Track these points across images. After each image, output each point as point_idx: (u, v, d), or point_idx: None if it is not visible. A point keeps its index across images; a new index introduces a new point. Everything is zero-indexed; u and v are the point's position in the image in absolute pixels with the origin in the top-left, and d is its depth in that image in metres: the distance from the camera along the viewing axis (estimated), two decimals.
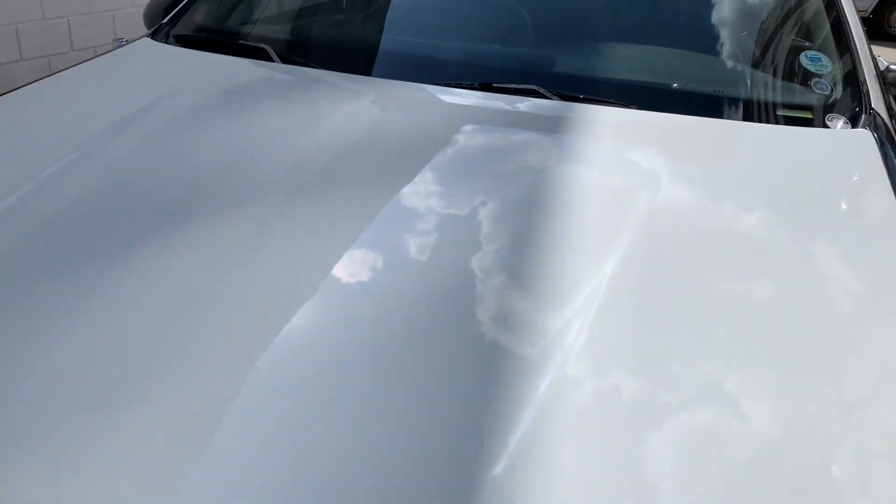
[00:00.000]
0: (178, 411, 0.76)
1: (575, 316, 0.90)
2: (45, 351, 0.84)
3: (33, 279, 0.96)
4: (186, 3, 1.95)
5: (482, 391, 0.80)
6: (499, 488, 0.70)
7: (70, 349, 0.84)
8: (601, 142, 1.35)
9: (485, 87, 1.55)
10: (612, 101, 1.50)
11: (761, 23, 1.85)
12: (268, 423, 0.75)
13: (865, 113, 1.55)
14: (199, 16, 1.90)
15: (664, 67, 1.67)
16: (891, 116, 1.63)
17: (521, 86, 1.53)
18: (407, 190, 1.15)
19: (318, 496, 0.69)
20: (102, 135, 1.32)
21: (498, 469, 0.72)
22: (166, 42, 1.82)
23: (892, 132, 1.57)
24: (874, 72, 1.66)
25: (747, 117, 1.54)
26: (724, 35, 1.76)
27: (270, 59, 1.67)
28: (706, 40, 1.76)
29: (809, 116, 1.55)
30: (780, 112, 1.56)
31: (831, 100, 1.60)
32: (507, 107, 1.49)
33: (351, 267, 0.98)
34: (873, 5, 10.95)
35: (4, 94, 1.57)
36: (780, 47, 1.73)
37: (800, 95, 1.61)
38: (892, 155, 1.46)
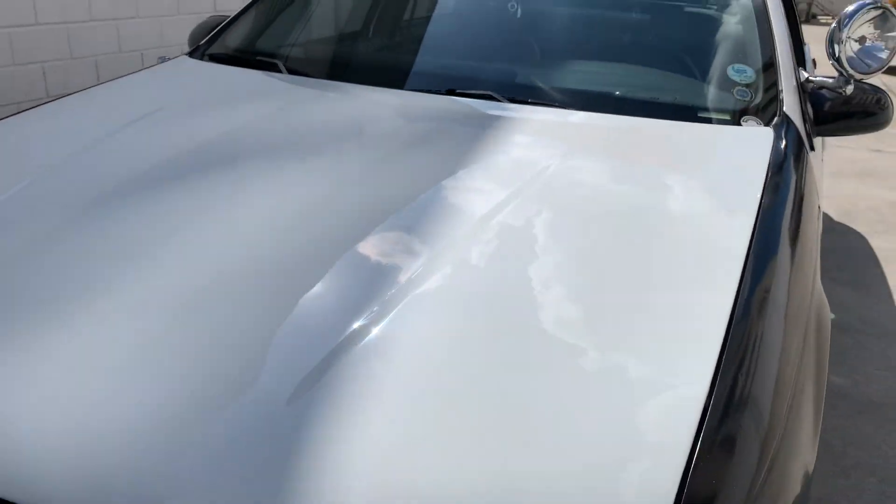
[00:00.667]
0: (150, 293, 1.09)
1: (434, 258, 1.19)
2: (84, 254, 1.18)
3: (77, 211, 1.30)
4: (219, 30, 2.33)
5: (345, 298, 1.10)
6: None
7: (94, 259, 1.18)
8: (525, 133, 1.65)
9: (450, 92, 1.87)
10: (553, 103, 1.80)
11: (696, 39, 2.13)
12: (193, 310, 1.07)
13: (778, 116, 1.81)
14: (228, 39, 2.28)
15: (605, 77, 1.97)
16: (804, 121, 1.88)
17: (479, 91, 1.84)
18: (354, 158, 1.48)
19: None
20: (136, 121, 1.69)
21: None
22: (201, 59, 2.20)
23: (801, 133, 1.82)
24: (794, 82, 1.92)
25: (673, 118, 1.81)
26: (661, 48, 2.05)
27: (280, 71, 2.03)
28: (644, 53, 2.06)
29: (728, 118, 1.82)
30: (701, 114, 1.83)
31: (750, 105, 1.86)
32: (465, 108, 1.80)
33: (287, 207, 1.30)
34: None
35: (68, 95, 1.96)
36: (710, 60, 2.01)
37: (722, 100, 1.88)
38: (793, 150, 1.71)
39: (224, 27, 2.35)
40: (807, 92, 1.95)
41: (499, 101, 1.80)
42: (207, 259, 1.16)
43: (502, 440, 0.88)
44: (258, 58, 2.14)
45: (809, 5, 24.08)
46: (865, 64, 1.86)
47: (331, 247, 1.20)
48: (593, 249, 1.23)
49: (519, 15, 2.27)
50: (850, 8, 1.87)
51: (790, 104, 1.85)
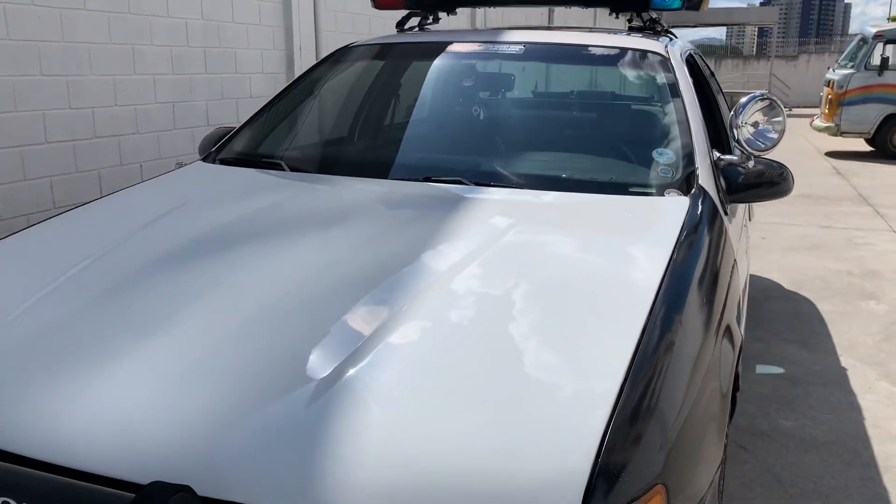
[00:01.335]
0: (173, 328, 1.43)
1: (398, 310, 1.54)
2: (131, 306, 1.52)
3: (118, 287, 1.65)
4: (227, 138, 2.74)
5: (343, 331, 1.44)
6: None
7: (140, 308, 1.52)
8: (488, 209, 2.04)
9: (427, 179, 2.27)
10: (511, 185, 2.20)
11: (628, 129, 2.57)
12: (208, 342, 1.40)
13: (695, 188, 2.21)
14: (235, 145, 2.68)
15: (554, 163, 2.39)
16: (717, 191, 2.28)
17: (450, 177, 2.24)
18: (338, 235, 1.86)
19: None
20: (167, 214, 2.06)
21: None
22: (213, 163, 2.59)
23: (715, 201, 2.22)
24: (708, 161, 2.33)
25: (610, 193, 2.20)
26: (599, 138, 2.48)
27: (283, 169, 2.43)
28: (585, 142, 2.49)
29: (654, 192, 2.21)
30: (631, 189, 2.23)
31: (672, 180, 2.26)
32: (439, 191, 2.19)
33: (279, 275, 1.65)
34: (873, 129, 11.65)
35: (109, 194, 2.33)
36: (638, 146, 2.43)
37: (648, 178, 2.29)
38: (708, 214, 2.10)
39: (232, 136, 2.75)
40: (719, 168, 2.35)
41: (466, 184, 2.19)
42: (227, 310, 1.51)
43: (463, 417, 1.21)
44: (263, 159, 2.53)
45: None
46: (761, 143, 2.28)
47: (326, 301, 1.54)
48: (536, 293, 1.58)
49: (482, 117, 2.71)
50: (743, 99, 2.30)
51: (704, 178, 2.24)
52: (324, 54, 6.10)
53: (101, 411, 1.25)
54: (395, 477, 1.12)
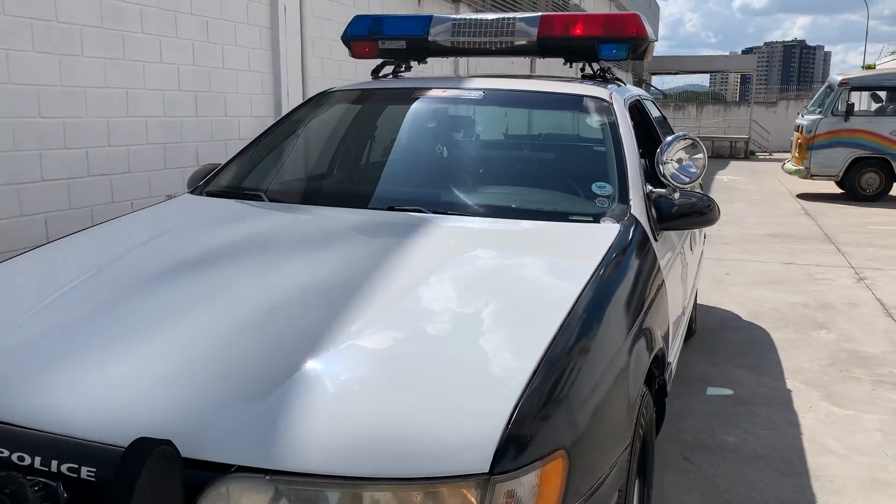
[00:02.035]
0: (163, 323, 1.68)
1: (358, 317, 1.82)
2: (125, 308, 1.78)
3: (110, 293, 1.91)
4: (214, 173, 3.02)
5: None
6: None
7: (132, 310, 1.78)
8: (444, 233, 2.32)
9: (391, 208, 2.55)
10: (466, 213, 2.49)
11: (571, 166, 2.88)
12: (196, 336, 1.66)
13: (627, 217, 2.49)
14: (221, 179, 2.97)
15: (505, 195, 2.69)
16: (648, 220, 2.56)
17: (411, 207, 2.52)
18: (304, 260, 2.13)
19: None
20: (156, 237, 2.33)
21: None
22: (200, 195, 2.87)
23: (646, 228, 2.50)
24: (641, 193, 2.62)
25: (552, 220, 2.49)
26: (544, 174, 2.78)
27: (262, 199, 2.71)
28: (532, 177, 2.79)
29: (591, 220, 2.50)
30: (571, 217, 2.51)
31: (608, 210, 2.55)
32: (402, 217, 2.47)
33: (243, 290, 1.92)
34: (842, 171, 12.08)
35: (104, 222, 2.60)
36: (579, 180, 2.73)
37: (587, 207, 2.58)
38: (638, 239, 2.38)
39: (218, 171, 3.03)
40: (651, 200, 2.64)
41: (426, 213, 2.47)
42: (208, 314, 1.76)
43: (402, 391, 1.47)
44: (246, 191, 2.81)
45: (747, 143, 25.99)
46: (684, 178, 2.58)
47: (296, 308, 1.81)
48: (473, 299, 1.86)
49: (444, 155, 3.00)
50: (668, 139, 2.59)
51: (636, 208, 2.53)
52: None
53: (95, 394, 1.50)
54: (344, 436, 1.38)
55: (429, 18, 3.55)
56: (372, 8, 8.72)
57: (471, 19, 3.52)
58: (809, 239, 8.72)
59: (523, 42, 3.43)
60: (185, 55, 6.14)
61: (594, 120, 2.95)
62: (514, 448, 1.39)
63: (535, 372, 1.55)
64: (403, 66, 3.76)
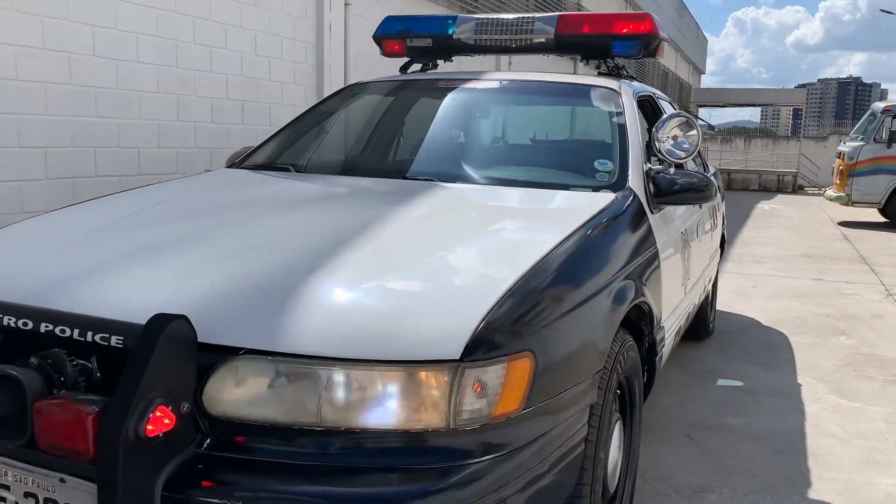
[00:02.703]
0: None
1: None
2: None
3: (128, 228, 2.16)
4: (249, 152, 3.29)
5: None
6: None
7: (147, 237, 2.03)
8: (451, 192, 2.55)
9: (402, 176, 2.79)
10: (473, 182, 2.71)
11: (578, 145, 3.08)
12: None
13: (624, 189, 2.68)
14: (254, 157, 3.24)
15: (505, 170, 2.92)
16: (645, 193, 2.75)
17: (424, 177, 2.74)
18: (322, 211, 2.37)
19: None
20: (192, 190, 2.60)
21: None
22: (235, 168, 3.14)
23: (642, 200, 2.69)
24: (640, 171, 2.80)
25: (558, 189, 2.70)
26: (555, 152, 2.99)
27: (290, 171, 2.97)
28: (542, 154, 3.00)
29: (591, 190, 2.69)
30: (573, 188, 2.71)
31: (608, 183, 2.74)
32: (412, 185, 2.70)
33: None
34: (885, 198, 12.00)
35: (152, 184, 2.88)
36: (584, 157, 2.93)
37: (588, 180, 2.78)
38: (632, 208, 2.57)
39: (251, 152, 3.31)
40: (650, 176, 2.82)
41: (436, 182, 2.70)
42: (227, 236, 2.03)
43: (394, 285, 1.70)
44: (276, 166, 3.08)
45: (795, 177, 25.78)
46: (679, 153, 2.75)
47: (310, 229, 2.07)
48: (478, 226, 2.15)
49: (461, 138, 3.23)
50: (664, 116, 2.78)
51: (634, 182, 2.71)
52: None
53: (126, 289, 1.75)
54: (337, 323, 1.60)
55: (454, 18, 3.80)
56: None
57: (493, 18, 3.76)
58: (843, 260, 8.72)
59: (542, 39, 3.65)
60: (234, 66, 6.50)
61: (601, 106, 3.16)
62: (485, 343, 1.59)
63: (513, 286, 1.75)
64: (430, 64, 4.01)
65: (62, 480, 1.54)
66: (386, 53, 3.98)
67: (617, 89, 3.25)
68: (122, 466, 1.39)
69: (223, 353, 1.58)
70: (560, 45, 3.66)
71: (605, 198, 2.55)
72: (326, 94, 7.61)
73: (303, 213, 2.30)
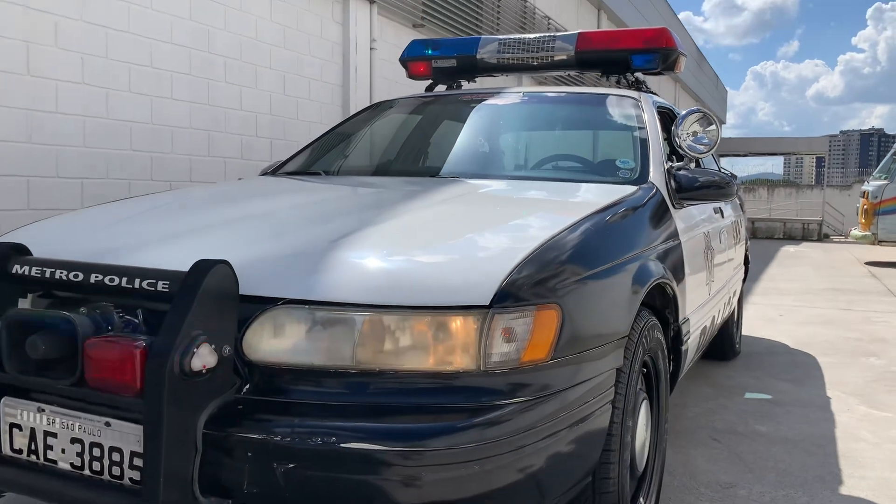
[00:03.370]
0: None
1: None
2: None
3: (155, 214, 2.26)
4: (281, 163, 3.41)
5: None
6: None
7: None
8: (474, 184, 2.66)
9: (432, 175, 2.88)
10: (503, 178, 2.82)
11: (604, 146, 3.19)
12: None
13: (645, 183, 2.75)
14: (286, 167, 3.36)
15: (527, 170, 3.00)
16: (667, 188, 2.81)
17: (451, 175, 2.84)
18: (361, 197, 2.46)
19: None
20: (227, 188, 2.70)
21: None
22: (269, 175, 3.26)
23: (662, 193, 2.75)
24: (661, 168, 2.88)
25: (585, 182, 2.79)
26: (583, 151, 3.10)
27: (320, 175, 3.08)
28: (570, 151, 3.11)
29: (612, 183, 2.77)
30: (597, 181, 2.79)
31: (630, 178, 2.81)
32: (439, 181, 2.79)
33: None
34: None
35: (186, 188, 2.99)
36: (608, 156, 3.02)
37: (611, 175, 2.86)
38: (652, 199, 2.63)
39: (282, 163, 3.43)
40: (672, 173, 2.88)
41: (463, 179, 2.79)
42: (264, 213, 2.12)
43: (429, 242, 1.78)
44: (309, 171, 3.20)
45: (820, 225, 25.63)
46: (700, 148, 2.82)
47: (344, 208, 2.16)
48: (512, 202, 2.30)
49: (486, 147, 3.33)
50: (683, 113, 2.86)
51: (656, 177, 2.78)
52: None
53: (172, 249, 1.84)
54: (371, 272, 1.68)
55: (477, 40, 3.94)
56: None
57: (515, 38, 3.89)
58: (871, 293, 8.65)
59: (563, 56, 3.78)
60: (264, 105, 6.70)
61: (623, 112, 3.25)
62: (513, 292, 1.65)
63: (541, 244, 1.83)
64: (455, 84, 4.14)
65: (107, 424, 1.60)
66: (412, 75, 4.12)
67: (637, 97, 3.35)
68: (166, 400, 1.45)
69: (262, 304, 1.65)
70: (580, 61, 3.78)
71: (628, 189, 2.62)
72: None
73: (336, 198, 2.40)
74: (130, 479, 1.59)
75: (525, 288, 1.67)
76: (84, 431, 1.63)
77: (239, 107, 6.42)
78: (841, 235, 26.55)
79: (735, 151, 30.52)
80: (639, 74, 3.80)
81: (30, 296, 1.82)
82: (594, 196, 2.50)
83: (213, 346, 1.53)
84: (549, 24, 12.56)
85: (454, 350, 1.60)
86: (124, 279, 1.63)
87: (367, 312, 1.61)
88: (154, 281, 1.60)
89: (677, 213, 2.81)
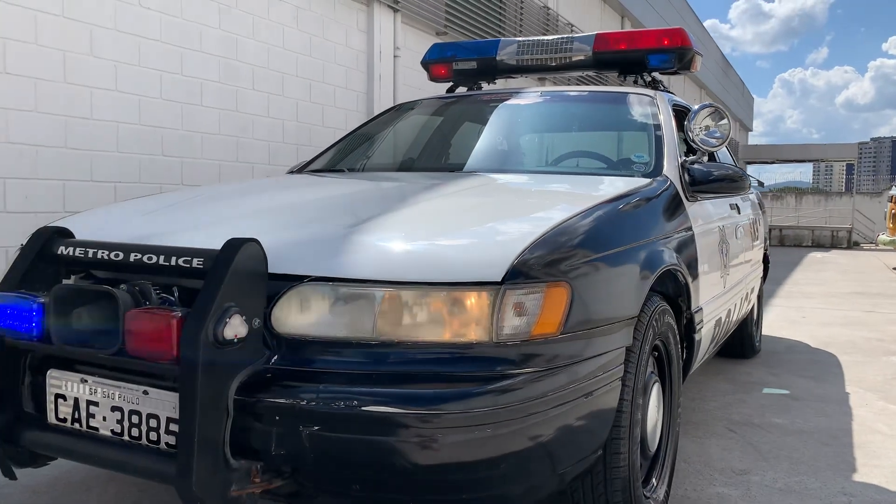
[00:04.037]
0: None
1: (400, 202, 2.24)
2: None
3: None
4: (307, 162, 3.54)
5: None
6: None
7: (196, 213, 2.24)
8: (492, 175, 2.76)
9: (453, 171, 2.99)
10: (524, 172, 2.93)
11: (621, 142, 3.28)
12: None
13: (659, 176, 2.83)
14: (312, 165, 3.48)
15: (543, 164, 3.11)
16: (680, 181, 2.89)
17: (470, 170, 2.95)
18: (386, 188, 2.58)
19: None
20: (259, 182, 2.83)
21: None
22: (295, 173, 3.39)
23: (676, 186, 2.83)
24: (675, 162, 2.96)
25: (602, 174, 2.89)
26: (600, 146, 3.19)
27: (345, 172, 3.20)
28: (587, 146, 3.21)
29: (627, 175, 2.86)
30: (613, 175, 2.89)
31: (645, 172, 2.90)
32: (460, 174, 2.89)
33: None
34: None
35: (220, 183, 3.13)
36: (624, 151, 3.11)
37: (626, 169, 2.96)
38: (666, 191, 2.72)
39: (309, 161, 3.55)
40: (686, 167, 2.96)
41: (480, 173, 2.90)
42: (288, 202, 2.23)
43: (447, 223, 1.91)
44: (334, 169, 3.33)
45: (850, 233, 25.37)
46: (712, 141, 2.90)
47: (367, 196, 2.26)
48: (530, 190, 2.46)
49: (504, 145, 3.44)
50: (695, 107, 2.94)
51: (669, 171, 2.87)
52: None
53: (206, 233, 1.96)
54: (391, 251, 1.80)
55: (497, 42, 4.05)
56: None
57: (533, 40, 4.00)
58: None
59: (581, 57, 3.87)
60: (290, 112, 6.86)
61: (639, 109, 3.34)
62: (524, 270, 1.75)
63: (553, 226, 1.93)
64: (475, 86, 4.25)
65: (145, 392, 1.72)
66: (433, 77, 4.24)
67: (652, 95, 3.43)
68: (201, 365, 1.57)
69: (289, 281, 1.76)
70: (598, 61, 3.87)
71: (642, 181, 2.71)
72: None
73: (360, 190, 2.52)
74: (167, 443, 1.71)
75: (536, 267, 1.77)
76: (123, 400, 1.75)
77: (266, 114, 6.58)
78: (871, 243, 26.24)
79: (763, 158, 30.36)
80: (655, 74, 3.88)
81: (73, 277, 1.95)
82: (608, 187, 2.59)
83: (243, 317, 1.64)
84: (571, 30, 12.67)
85: (468, 323, 1.70)
86: (161, 257, 1.75)
87: (386, 288, 1.71)
88: (189, 258, 1.72)
89: (691, 205, 2.88)
